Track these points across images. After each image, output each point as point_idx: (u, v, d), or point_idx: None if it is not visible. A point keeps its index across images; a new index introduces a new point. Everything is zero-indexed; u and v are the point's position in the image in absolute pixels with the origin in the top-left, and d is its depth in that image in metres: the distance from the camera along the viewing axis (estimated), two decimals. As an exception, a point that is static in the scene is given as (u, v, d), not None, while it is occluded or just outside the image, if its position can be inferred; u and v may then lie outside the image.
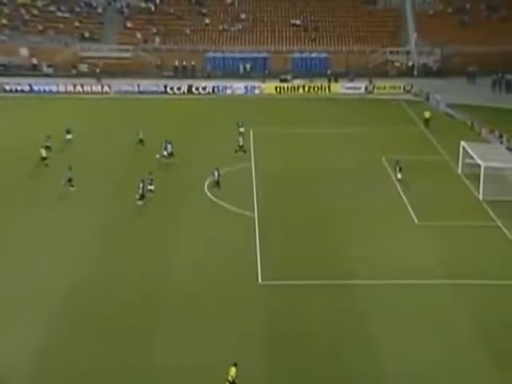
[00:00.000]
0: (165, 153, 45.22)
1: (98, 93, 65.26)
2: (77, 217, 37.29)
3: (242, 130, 48.53)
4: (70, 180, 39.98)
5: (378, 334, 27.32)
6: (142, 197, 38.39)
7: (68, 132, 48.76)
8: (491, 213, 38.40)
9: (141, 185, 38.49)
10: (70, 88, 65.37)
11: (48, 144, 45.69)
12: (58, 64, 69.99)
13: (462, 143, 44.02)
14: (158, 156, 45.31)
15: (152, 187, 39.34)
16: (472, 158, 42.17)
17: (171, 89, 65.85)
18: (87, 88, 65.61)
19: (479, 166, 40.52)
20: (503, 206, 38.84)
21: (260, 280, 31.21)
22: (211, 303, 29.41)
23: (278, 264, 32.73)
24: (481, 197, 40.14)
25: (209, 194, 40.93)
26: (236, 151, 46.39)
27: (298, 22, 75.74)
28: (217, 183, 40.89)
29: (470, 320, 28.32)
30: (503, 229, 36.46)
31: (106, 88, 65.77)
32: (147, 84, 66.00)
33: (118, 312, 28.71)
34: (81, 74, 69.00)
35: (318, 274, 31.76)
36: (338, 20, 75.88)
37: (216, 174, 40.92)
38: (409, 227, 36.82)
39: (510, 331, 27.53)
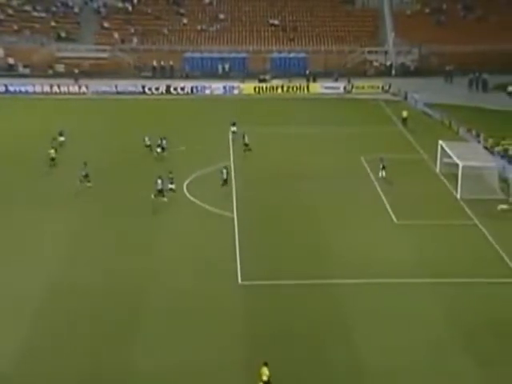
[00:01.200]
0: (158, 149, 46.11)
1: (75, 93, 64.86)
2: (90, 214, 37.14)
3: (233, 129, 48.96)
4: (86, 176, 40.76)
5: (360, 333, 27.45)
6: (160, 192, 38.50)
7: (61, 134, 48.29)
8: (469, 211, 38.77)
9: (159, 181, 38.57)
10: (47, 88, 64.90)
11: (56, 144, 46.15)
12: (35, 64, 69.47)
13: (440, 142, 44.39)
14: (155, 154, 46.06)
15: (173, 186, 39.51)
16: (450, 157, 42.56)
17: (149, 89, 65.68)
18: (64, 88, 65.20)
19: (457, 165, 40.89)
20: (481, 205, 39.24)
21: (240, 280, 31.23)
22: (191, 304, 29.35)
23: (258, 264, 32.77)
24: (459, 196, 40.51)
25: (188, 194, 40.89)
26: (244, 151, 47.03)
27: (276, 22, 75.92)
28: (225, 181, 40.74)
29: (449, 318, 28.55)
30: (481, 227, 36.83)
31: (83, 88, 65.41)
32: (125, 84, 65.73)
33: (96, 312, 28.59)
34: (57, 75, 68.52)
35: (299, 273, 31.84)
36: (316, 20, 76.18)
37: (224, 172, 40.78)
38: (388, 226, 37.06)
39: (490, 329, 27.82)
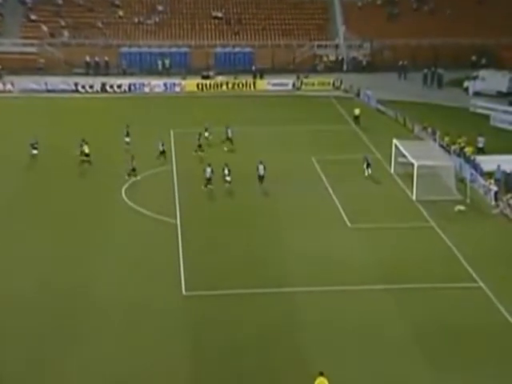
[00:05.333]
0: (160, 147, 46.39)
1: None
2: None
3: (206, 134, 49.22)
4: (133, 170, 42.94)
5: (312, 343, 27.88)
6: (209, 181, 41.42)
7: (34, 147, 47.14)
8: (425, 213, 39.69)
9: (208, 169, 41.32)
10: (-32, 87, 63.75)
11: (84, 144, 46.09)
12: (-45, 60, 68.07)
13: (395, 141, 45.31)
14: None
15: (229, 178, 41.77)
16: (405, 156, 43.46)
17: (83, 87, 65.06)
18: (-13, 86, 64.11)
19: (412, 164, 41.78)
20: (437, 206, 40.22)
21: (184, 291, 31.33)
22: (132, 317, 29.36)
23: (204, 273, 32.94)
24: (414, 197, 41.42)
25: (126, 199, 40.80)
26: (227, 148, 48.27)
27: (219, 15, 76.12)
28: (229, 183, 41.94)
29: (407, 324, 29.20)
30: (437, 229, 37.76)
31: (8, 86, 64.36)
32: (56, 82, 64.96)
33: (30, 325, 28.44)
34: (-20, 72, 67.33)
35: (247, 282, 32.12)
36: (262, 12, 76.67)
37: (226, 171, 42.04)
38: (341, 230, 37.67)
39: (447, 334, 28.57)
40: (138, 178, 43.41)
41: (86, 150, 45.66)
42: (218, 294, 31.26)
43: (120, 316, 29.39)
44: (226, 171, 42.15)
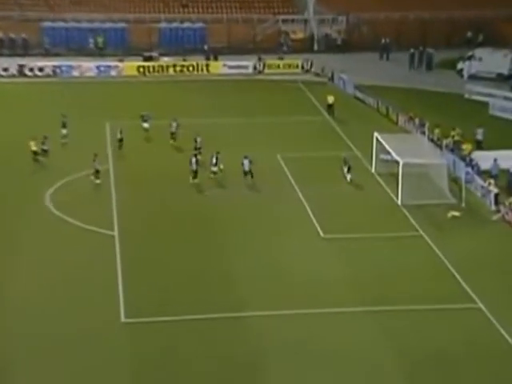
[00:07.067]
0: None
1: None
2: None
3: (174, 124, 49.48)
4: (97, 171, 43.53)
5: (277, 378, 28.02)
6: (195, 174, 43.58)
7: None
8: (412, 220, 40.14)
9: (193, 160, 43.29)
10: None
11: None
12: None
13: (376, 134, 45.75)
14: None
15: (215, 168, 44.08)
16: (388, 152, 43.92)
17: (-5, 70, 64.59)
18: None
19: (397, 162, 42.22)
20: (426, 212, 40.72)
21: (123, 317, 31.28)
22: (62, 350, 29.22)
23: (147, 296, 32.87)
24: (399, 201, 41.88)
25: (52, 207, 40.63)
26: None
27: (164, -18, 76.29)
28: (247, 173, 43.74)
29: (391, 353, 29.44)
30: (427, 239, 38.20)
31: None
32: (-38, 64, 64.43)
33: None
34: None
35: (199, 306, 32.14)
36: (215, -20, 77.00)
37: (247, 162, 43.66)
38: (313, 242, 37.92)
39: (439, 364, 28.85)
40: (98, 181, 43.27)
41: (33, 147, 45.63)
42: (163, 320, 31.18)
43: (47, 350, 29.21)
44: (214, 160, 43.93)
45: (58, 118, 49.92)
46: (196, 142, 47.10)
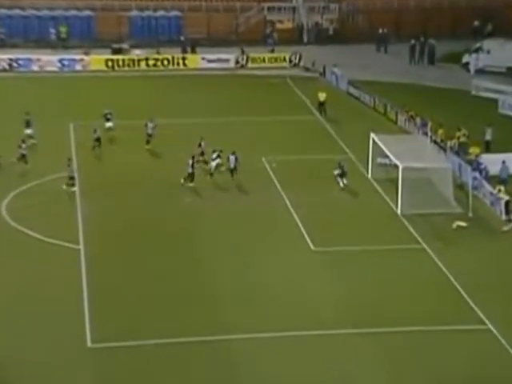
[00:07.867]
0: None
1: None
2: None
3: (151, 125, 49.31)
4: (72, 178, 43.77)
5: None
6: (192, 176, 44.21)
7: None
8: (413, 231, 40.18)
9: (190, 161, 43.76)
10: None
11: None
12: None
13: (372, 135, 45.83)
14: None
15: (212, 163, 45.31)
16: (386, 156, 43.95)
17: None
18: None
19: (396, 166, 42.27)
20: (429, 222, 40.82)
21: (89, 343, 31.13)
22: (24, 377, 29.07)
23: (116, 318, 32.71)
24: (399, 210, 41.89)
25: (9, 218, 40.50)
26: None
27: (134, -35, 76.25)
28: (233, 171, 44.73)
29: (389, 380, 29.42)
30: (430, 253, 38.24)
31: None
32: None
33: None
34: None
35: (174, 329, 32.00)
36: (192, -38, 77.09)
37: (233, 158, 44.60)
38: (302, 255, 37.89)
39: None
40: (74, 189, 43.10)
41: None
42: (135, 345, 31.05)
43: (3, 379, 28.95)
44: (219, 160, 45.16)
45: (19, 117, 49.68)
46: (200, 146, 46.95)
